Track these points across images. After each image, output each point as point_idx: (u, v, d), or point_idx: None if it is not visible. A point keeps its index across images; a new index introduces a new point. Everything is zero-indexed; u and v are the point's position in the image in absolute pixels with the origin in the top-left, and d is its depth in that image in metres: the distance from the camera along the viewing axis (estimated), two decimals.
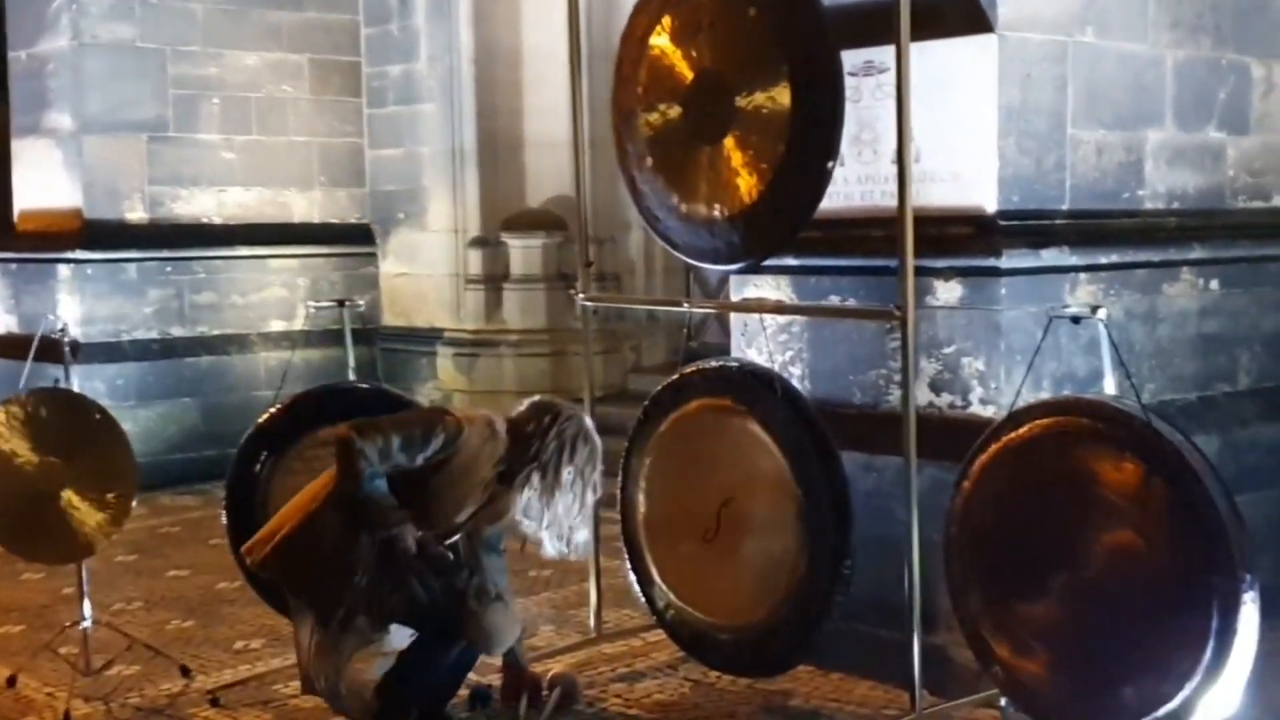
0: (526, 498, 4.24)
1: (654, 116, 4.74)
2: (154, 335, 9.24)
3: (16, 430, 5.08)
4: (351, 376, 5.36)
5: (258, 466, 5.14)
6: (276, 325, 9.71)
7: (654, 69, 4.73)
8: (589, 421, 4.42)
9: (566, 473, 4.24)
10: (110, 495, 5.18)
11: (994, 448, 4.19)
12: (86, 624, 5.20)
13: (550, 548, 4.31)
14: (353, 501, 4.12)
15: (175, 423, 9.16)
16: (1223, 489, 3.76)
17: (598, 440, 4.38)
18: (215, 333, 9.49)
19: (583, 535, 4.37)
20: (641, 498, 5.00)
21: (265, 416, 5.21)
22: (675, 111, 4.68)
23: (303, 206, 10.02)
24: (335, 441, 4.16)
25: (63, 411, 5.18)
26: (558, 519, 4.27)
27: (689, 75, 4.63)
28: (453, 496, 4.22)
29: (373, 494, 4.09)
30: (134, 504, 5.32)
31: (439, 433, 4.13)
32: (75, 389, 5.40)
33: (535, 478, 4.23)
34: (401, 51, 9.87)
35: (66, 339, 5.51)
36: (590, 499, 4.34)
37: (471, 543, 4.42)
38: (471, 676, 4.94)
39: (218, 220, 9.60)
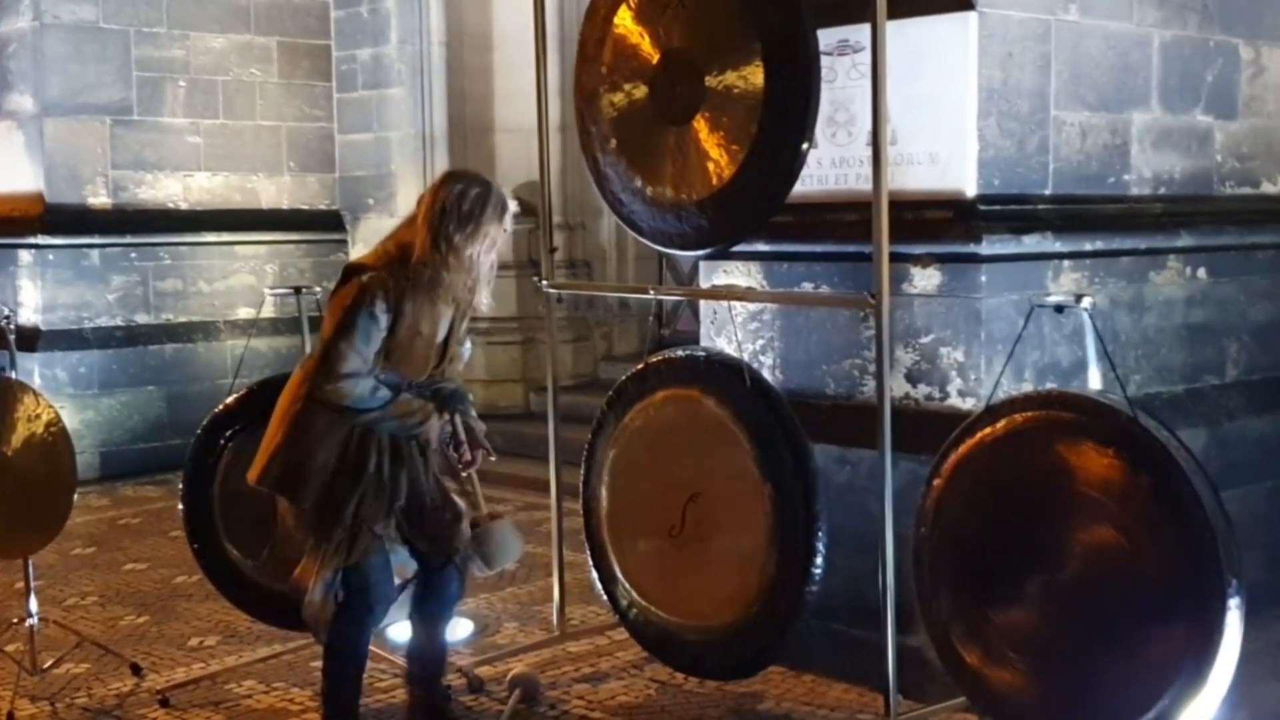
0: (473, 290, 4.13)
1: (618, 97, 4.59)
2: (117, 323, 9.08)
3: None
4: None
5: (213, 458, 4.99)
6: (243, 313, 9.52)
7: (619, 47, 4.58)
8: (464, 179, 4.16)
9: (482, 243, 4.08)
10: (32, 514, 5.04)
11: (969, 443, 4.02)
12: (33, 621, 5.05)
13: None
14: (365, 425, 4.05)
15: (139, 412, 9.00)
16: (1211, 489, 3.60)
17: (488, 189, 4.12)
18: (180, 320, 9.33)
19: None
20: (605, 492, 4.83)
21: (221, 406, 5.08)
22: (641, 91, 4.53)
23: (271, 192, 9.86)
24: (316, 400, 4.03)
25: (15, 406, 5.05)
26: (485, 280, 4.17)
27: (656, 54, 4.48)
28: (422, 341, 4.09)
29: (381, 406, 4.03)
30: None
31: (379, 304, 3.97)
32: (30, 379, 5.22)
33: (477, 277, 4.10)
34: (371, 34, 9.72)
35: (12, 326, 5.30)
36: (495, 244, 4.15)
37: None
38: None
39: (183, 205, 9.43)
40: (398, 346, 4.05)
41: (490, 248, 4.12)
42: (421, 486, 4.19)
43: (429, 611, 4.35)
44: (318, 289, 5.41)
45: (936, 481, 4.07)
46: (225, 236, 9.54)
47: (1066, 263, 4.81)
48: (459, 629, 5.33)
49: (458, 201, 4.05)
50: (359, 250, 9.99)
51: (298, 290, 5.24)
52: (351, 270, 4.11)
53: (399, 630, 5.12)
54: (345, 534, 4.07)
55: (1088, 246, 4.86)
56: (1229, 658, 3.52)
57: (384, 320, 4.00)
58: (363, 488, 4.06)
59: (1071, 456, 3.77)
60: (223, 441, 4.99)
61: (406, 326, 4.03)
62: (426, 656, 4.39)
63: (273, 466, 4.15)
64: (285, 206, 9.92)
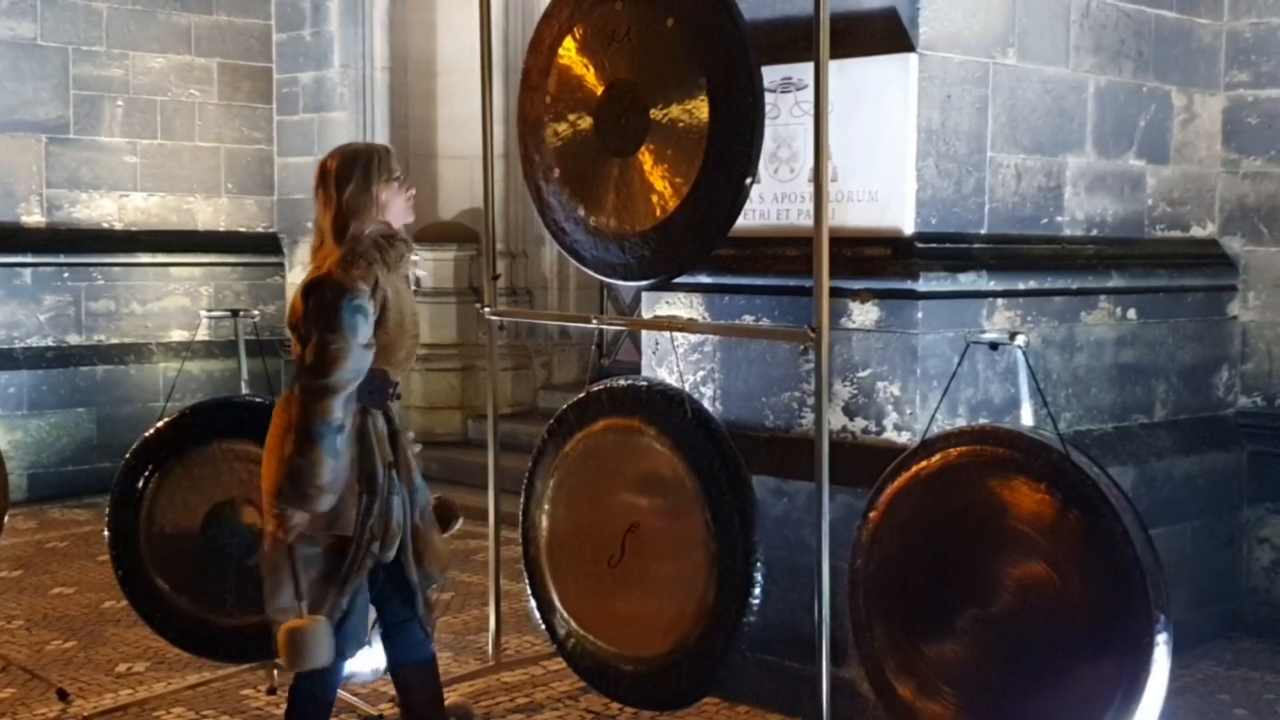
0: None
1: (562, 127, 4.60)
2: (49, 343, 8.97)
3: None
4: (245, 389, 5.15)
5: (141, 482, 4.92)
6: (177, 335, 9.43)
7: (564, 78, 4.60)
8: (343, 150, 4.11)
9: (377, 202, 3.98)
10: None
11: (904, 477, 4.06)
12: None
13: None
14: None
15: (68, 434, 8.89)
16: (1140, 526, 3.66)
17: (368, 149, 4.10)
18: (113, 341, 9.23)
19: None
20: (544, 520, 4.82)
21: (151, 430, 5.00)
22: (586, 122, 4.55)
23: (208, 214, 9.78)
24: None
25: None
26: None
27: (601, 85, 4.51)
28: (407, 319, 3.99)
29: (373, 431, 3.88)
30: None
31: (360, 294, 3.80)
32: None
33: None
34: (313, 58, 9.68)
35: None
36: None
37: None
38: (362, 706, 4.77)
39: (119, 225, 9.34)
40: (388, 335, 3.90)
41: (388, 201, 4.00)
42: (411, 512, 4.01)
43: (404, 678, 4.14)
44: (255, 312, 5.38)
45: (872, 514, 4.10)
46: (160, 257, 9.45)
47: (1000, 301, 4.87)
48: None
49: (341, 169, 3.98)
50: (297, 274, 9.93)
51: (235, 313, 5.20)
52: (314, 284, 3.87)
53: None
54: (360, 551, 3.85)
55: (1021, 286, 4.93)
56: (1156, 694, 3.56)
57: (371, 322, 3.82)
58: (377, 501, 3.87)
59: (1004, 492, 3.81)
60: (152, 466, 4.91)
61: (393, 310, 3.90)
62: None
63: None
64: (222, 228, 9.85)
